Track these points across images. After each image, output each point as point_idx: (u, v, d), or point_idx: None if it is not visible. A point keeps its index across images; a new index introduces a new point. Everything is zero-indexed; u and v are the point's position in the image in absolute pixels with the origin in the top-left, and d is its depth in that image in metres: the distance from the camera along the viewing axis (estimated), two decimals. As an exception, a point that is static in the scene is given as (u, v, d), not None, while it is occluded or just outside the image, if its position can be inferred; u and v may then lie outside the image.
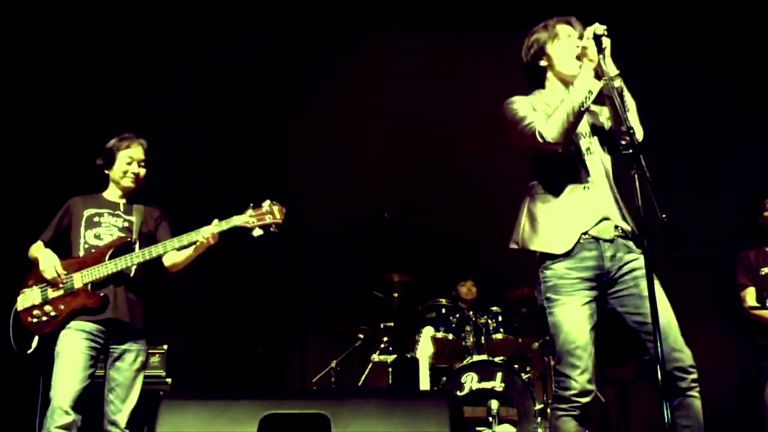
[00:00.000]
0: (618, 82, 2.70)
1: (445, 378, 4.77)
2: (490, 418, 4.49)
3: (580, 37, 2.80)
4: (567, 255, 2.77)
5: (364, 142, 6.26)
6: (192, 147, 6.30)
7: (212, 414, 2.57)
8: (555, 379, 2.81)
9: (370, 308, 5.49)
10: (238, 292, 6.09)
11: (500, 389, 4.65)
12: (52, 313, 3.42)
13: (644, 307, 2.70)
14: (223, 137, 6.27)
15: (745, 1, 6.05)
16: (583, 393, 2.70)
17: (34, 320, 3.43)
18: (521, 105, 2.90)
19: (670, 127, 5.67)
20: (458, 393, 4.62)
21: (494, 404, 4.52)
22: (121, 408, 3.42)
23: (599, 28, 2.72)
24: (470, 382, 4.69)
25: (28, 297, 3.49)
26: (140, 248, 3.53)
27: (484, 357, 4.84)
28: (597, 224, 2.76)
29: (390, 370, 5.00)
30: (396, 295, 5.32)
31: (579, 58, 2.79)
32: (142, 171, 3.68)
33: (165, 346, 4.71)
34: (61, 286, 3.45)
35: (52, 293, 3.45)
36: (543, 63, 2.97)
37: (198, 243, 3.43)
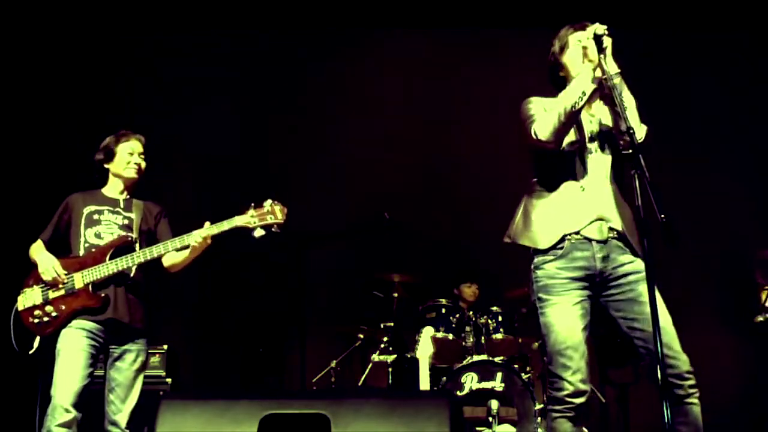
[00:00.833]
0: (617, 81, 2.71)
1: (445, 378, 4.76)
2: (490, 418, 4.49)
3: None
4: (558, 255, 2.78)
5: (364, 142, 6.25)
6: (192, 147, 6.30)
7: (212, 414, 2.57)
8: (548, 380, 2.81)
9: (370, 308, 5.49)
10: (239, 292, 6.09)
11: (500, 389, 4.65)
12: (53, 314, 3.41)
13: (639, 313, 2.71)
14: (223, 137, 6.27)
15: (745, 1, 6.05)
16: (576, 393, 2.70)
17: (36, 320, 3.43)
18: (535, 104, 2.92)
19: (670, 127, 5.67)
20: (458, 393, 4.62)
21: (494, 404, 4.52)
22: (121, 408, 3.41)
23: (599, 28, 2.73)
24: (470, 382, 4.69)
25: (29, 297, 3.48)
26: (140, 246, 3.52)
27: (484, 357, 4.84)
28: (589, 224, 2.76)
29: (390, 370, 5.00)
30: (396, 295, 5.32)
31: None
32: (143, 163, 3.68)
33: (165, 346, 4.71)
34: (61, 286, 3.44)
35: (52, 293, 3.44)
36: (561, 74, 3.00)
37: (191, 246, 3.43)
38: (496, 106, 6.20)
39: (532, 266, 2.88)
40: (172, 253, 3.52)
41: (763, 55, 6.13)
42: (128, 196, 3.69)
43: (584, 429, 4.59)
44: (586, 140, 2.88)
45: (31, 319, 3.44)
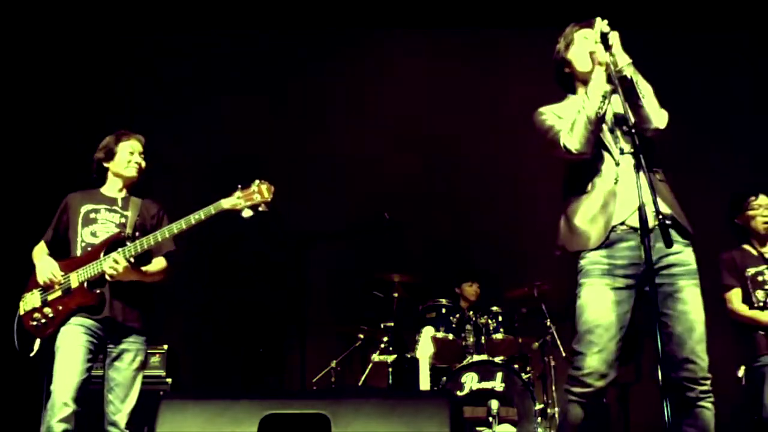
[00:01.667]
0: (630, 70, 2.73)
1: (445, 378, 4.77)
2: (490, 418, 4.49)
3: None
4: (603, 245, 2.76)
5: (364, 142, 6.26)
6: (192, 147, 6.30)
7: (212, 414, 2.57)
8: (572, 358, 2.79)
9: (370, 308, 5.49)
10: (239, 292, 6.09)
11: (500, 389, 4.65)
12: (51, 315, 3.42)
13: (673, 310, 2.69)
14: (223, 137, 6.27)
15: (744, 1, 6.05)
16: (595, 374, 2.67)
17: (35, 323, 3.44)
18: (548, 115, 2.94)
19: (670, 127, 5.67)
20: (458, 393, 4.62)
21: (494, 404, 4.52)
22: (120, 408, 3.40)
23: (604, 26, 2.74)
24: (470, 382, 4.69)
25: (29, 301, 3.50)
26: None
27: (484, 357, 4.84)
28: (633, 214, 2.71)
29: (390, 370, 5.00)
30: (396, 295, 5.32)
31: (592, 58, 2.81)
32: (143, 162, 3.68)
33: (165, 346, 4.71)
34: (58, 287, 3.44)
35: (51, 295, 3.45)
36: (567, 70, 3.01)
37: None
38: (497, 106, 6.23)
39: (578, 260, 2.83)
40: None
41: (763, 55, 6.13)
42: (127, 195, 3.67)
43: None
44: (609, 134, 2.87)
45: (31, 323, 3.45)
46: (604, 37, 2.74)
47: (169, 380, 4.64)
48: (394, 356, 5.03)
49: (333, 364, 5.24)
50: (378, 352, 5.11)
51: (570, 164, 2.90)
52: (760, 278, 4.17)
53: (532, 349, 5.17)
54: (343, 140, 6.30)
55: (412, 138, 6.26)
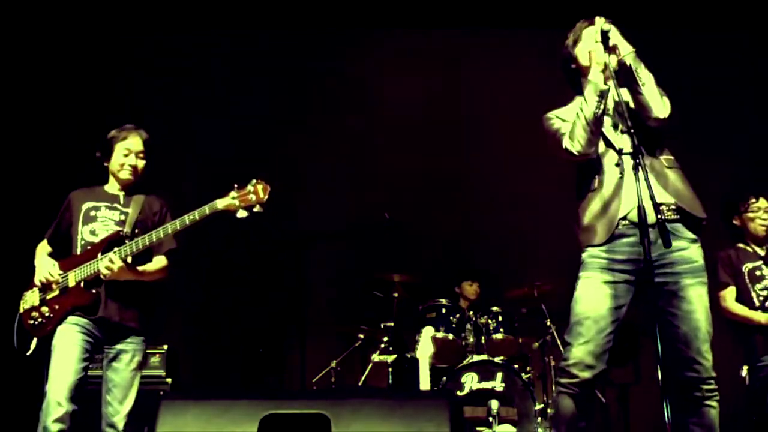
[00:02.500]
0: (630, 59, 2.75)
1: (445, 378, 4.77)
2: (490, 418, 4.49)
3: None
4: (605, 241, 2.78)
5: (364, 142, 6.26)
6: (192, 147, 6.30)
7: (212, 414, 2.57)
8: (563, 350, 2.82)
9: (370, 308, 5.49)
10: (239, 292, 6.09)
11: (500, 389, 4.65)
12: (48, 314, 3.39)
13: (678, 308, 2.70)
14: (223, 137, 6.27)
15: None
16: (580, 364, 2.69)
17: (32, 322, 3.42)
18: (554, 119, 2.99)
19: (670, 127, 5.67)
20: (458, 393, 4.62)
21: (494, 404, 4.52)
22: (119, 410, 3.34)
23: (604, 25, 2.76)
24: (470, 382, 4.69)
25: (29, 299, 3.48)
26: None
27: (484, 357, 4.84)
28: (633, 209, 2.70)
29: (390, 370, 5.00)
30: (396, 295, 5.32)
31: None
32: (141, 163, 3.58)
33: (165, 346, 4.71)
34: (55, 286, 3.42)
35: (49, 294, 3.43)
36: (573, 66, 3.03)
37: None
38: (498, 106, 6.22)
39: (582, 256, 2.87)
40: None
41: (763, 55, 6.13)
42: (129, 192, 3.61)
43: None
44: (612, 130, 2.88)
45: (29, 321, 3.43)
46: (604, 36, 2.74)
47: (169, 380, 4.63)
48: (394, 356, 5.03)
49: (333, 364, 5.24)
50: (378, 352, 5.11)
51: (578, 164, 2.92)
52: (758, 272, 4.19)
53: (532, 349, 5.17)
54: (344, 140, 6.30)
55: (412, 137, 6.26)
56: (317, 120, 6.38)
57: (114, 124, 3.73)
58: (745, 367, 4.17)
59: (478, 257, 6.10)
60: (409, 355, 5.05)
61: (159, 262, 3.55)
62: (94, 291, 3.35)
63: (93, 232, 3.48)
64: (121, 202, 3.57)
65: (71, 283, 3.38)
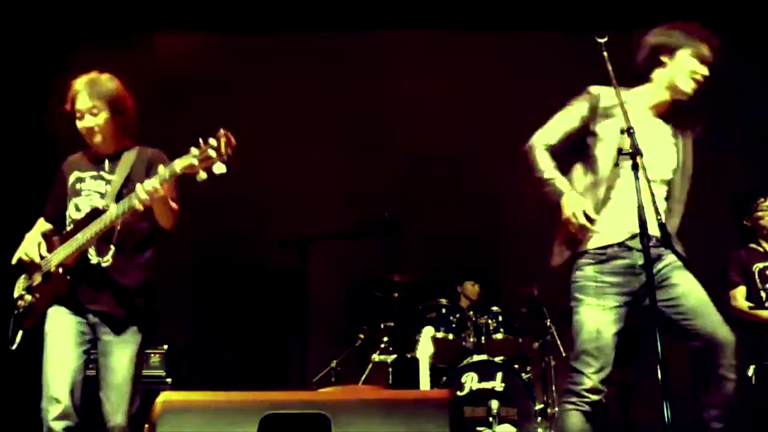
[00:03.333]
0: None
1: (445, 378, 4.76)
2: (490, 418, 4.49)
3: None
4: (598, 260, 2.82)
5: (364, 142, 6.26)
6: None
7: (212, 414, 2.56)
8: (569, 374, 2.85)
9: (370, 308, 5.49)
10: (239, 291, 6.09)
11: (500, 389, 4.65)
12: (32, 304, 3.03)
13: (674, 293, 2.77)
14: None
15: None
16: (594, 390, 2.74)
17: (17, 312, 3.08)
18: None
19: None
20: (458, 393, 4.61)
21: (494, 404, 4.52)
22: (117, 408, 2.99)
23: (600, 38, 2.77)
24: (470, 382, 4.69)
25: (19, 285, 3.14)
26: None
27: (484, 357, 4.84)
28: (631, 237, 2.80)
29: (390, 370, 5.00)
30: (396, 295, 5.32)
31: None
32: (100, 119, 3.03)
33: (165, 346, 4.71)
34: (38, 272, 3.03)
35: (35, 279, 3.05)
36: (661, 59, 3.03)
37: (140, 205, 2.83)
38: (499, 106, 6.22)
39: (574, 267, 2.89)
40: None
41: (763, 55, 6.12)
42: (115, 153, 3.11)
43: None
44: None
45: (16, 311, 3.09)
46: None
47: (169, 380, 4.63)
48: (394, 356, 5.03)
49: (333, 364, 5.24)
50: (378, 352, 5.11)
51: None
52: None
53: (532, 349, 5.17)
54: (344, 140, 6.30)
55: (412, 137, 6.26)
56: (317, 120, 6.38)
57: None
58: (752, 367, 4.18)
59: (478, 257, 6.09)
60: (409, 355, 5.05)
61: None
62: (69, 278, 2.95)
63: (77, 208, 3.08)
64: (107, 168, 3.12)
65: (52, 268, 2.99)
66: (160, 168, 2.84)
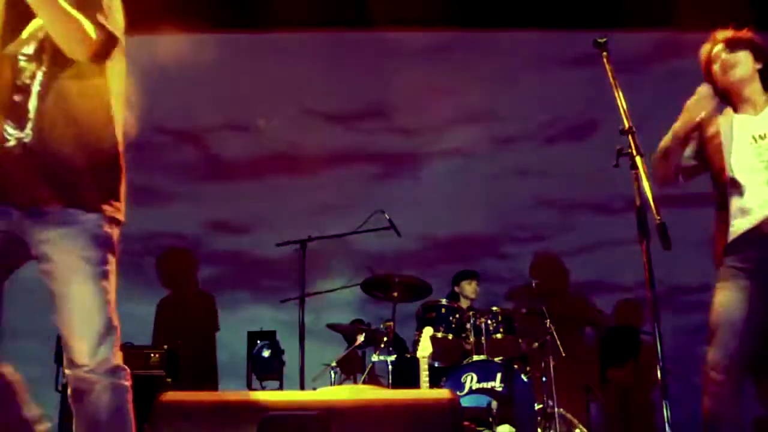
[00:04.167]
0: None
1: (445, 378, 4.76)
2: (490, 418, 4.49)
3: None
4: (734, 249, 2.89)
5: (364, 141, 6.26)
6: (190, 147, 6.30)
7: (212, 414, 2.57)
8: None
9: (370, 308, 5.48)
10: (238, 291, 6.09)
11: (500, 389, 4.65)
12: None
13: None
14: (223, 138, 6.27)
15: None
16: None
17: None
18: None
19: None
20: (458, 393, 4.61)
21: (494, 404, 4.51)
22: (77, 337, 2.02)
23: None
24: (470, 382, 4.69)
25: None
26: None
27: (484, 357, 4.84)
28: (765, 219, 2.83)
29: (390, 370, 5.00)
30: (396, 295, 5.31)
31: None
32: None
33: (165, 346, 4.71)
34: None
35: None
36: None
37: None
38: (499, 105, 6.23)
39: None
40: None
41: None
42: None
43: (581, 427, 4.59)
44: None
45: None
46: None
47: (169, 380, 4.63)
48: (394, 356, 5.03)
49: (333, 364, 5.24)
50: (378, 352, 5.10)
51: None
52: None
53: (532, 349, 5.17)
54: (343, 140, 6.31)
55: (412, 137, 6.27)
56: (318, 120, 6.39)
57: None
58: None
59: (478, 257, 6.10)
60: (409, 355, 5.05)
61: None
62: None
63: None
64: None
65: None
66: None
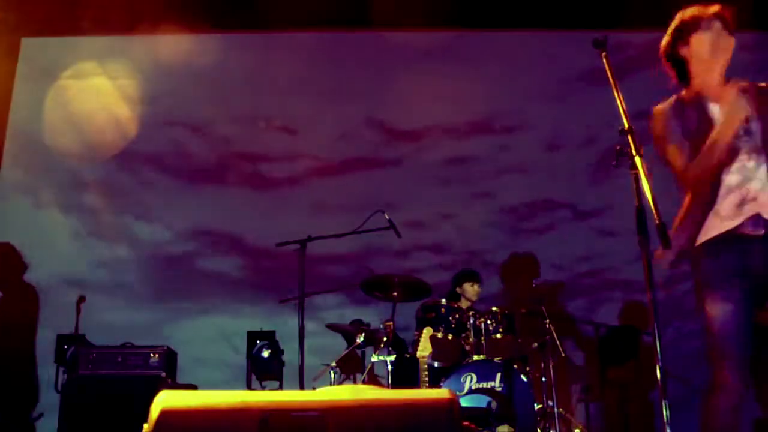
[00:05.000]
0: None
1: (444, 378, 4.76)
2: (490, 418, 4.48)
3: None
4: (709, 252, 2.82)
5: (364, 141, 6.26)
6: (189, 148, 6.29)
7: (212, 414, 2.56)
8: None
9: (370, 308, 5.48)
10: (238, 291, 6.09)
11: (500, 389, 4.65)
12: None
13: None
14: (223, 138, 6.27)
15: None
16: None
17: None
18: None
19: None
20: (458, 393, 4.61)
21: (494, 404, 4.51)
22: None
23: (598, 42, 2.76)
24: (470, 382, 4.69)
25: None
26: None
27: (483, 357, 4.84)
28: (745, 220, 2.75)
29: (390, 370, 4.99)
30: (396, 294, 5.32)
31: None
32: None
33: (165, 346, 4.71)
34: None
35: None
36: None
37: None
38: (499, 105, 6.23)
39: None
40: None
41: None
42: None
43: (581, 427, 4.60)
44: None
45: None
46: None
47: (168, 380, 4.63)
48: (394, 356, 5.03)
49: (333, 364, 5.24)
50: (378, 352, 5.10)
51: None
52: None
53: (532, 349, 5.17)
54: (343, 139, 6.31)
55: (412, 136, 6.27)
56: (317, 119, 6.38)
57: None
58: None
59: (478, 257, 6.10)
60: (409, 355, 5.05)
61: None
62: None
63: None
64: None
65: None
66: None
